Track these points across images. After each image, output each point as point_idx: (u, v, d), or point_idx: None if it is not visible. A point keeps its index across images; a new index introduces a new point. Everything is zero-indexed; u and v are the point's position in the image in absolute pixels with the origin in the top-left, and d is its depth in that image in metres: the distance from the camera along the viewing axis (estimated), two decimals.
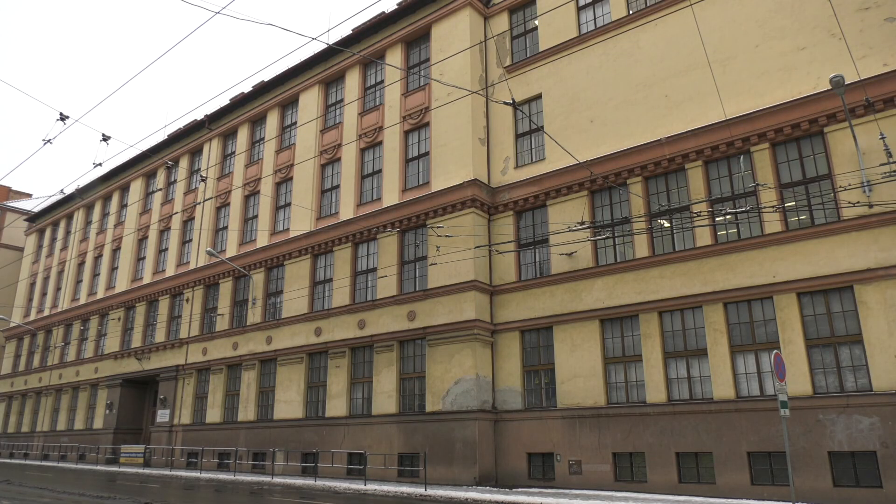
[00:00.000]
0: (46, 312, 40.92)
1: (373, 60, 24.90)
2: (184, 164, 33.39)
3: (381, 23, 24.71)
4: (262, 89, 29.33)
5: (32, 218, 45.93)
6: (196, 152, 33.45)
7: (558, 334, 18.46)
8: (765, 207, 15.42)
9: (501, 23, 22.54)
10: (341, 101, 26.22)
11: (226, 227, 29.74)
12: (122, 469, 27.57)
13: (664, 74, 18.12)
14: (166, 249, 33.02)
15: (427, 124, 22.67)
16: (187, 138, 33.46)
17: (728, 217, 15.93)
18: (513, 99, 13.74)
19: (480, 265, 19.94)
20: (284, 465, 23.11)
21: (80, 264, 39.49)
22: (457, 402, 18.94)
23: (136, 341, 32.37)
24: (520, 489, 17.04)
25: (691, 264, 16.43)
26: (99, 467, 29.67)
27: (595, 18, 20.28)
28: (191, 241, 31.47)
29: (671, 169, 17.53)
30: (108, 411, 32.68)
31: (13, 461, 36.71)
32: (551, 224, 19.31)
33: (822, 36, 15.55)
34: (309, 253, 24.98)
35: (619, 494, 15.35)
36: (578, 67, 20.07)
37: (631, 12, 19.27)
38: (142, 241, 34.86)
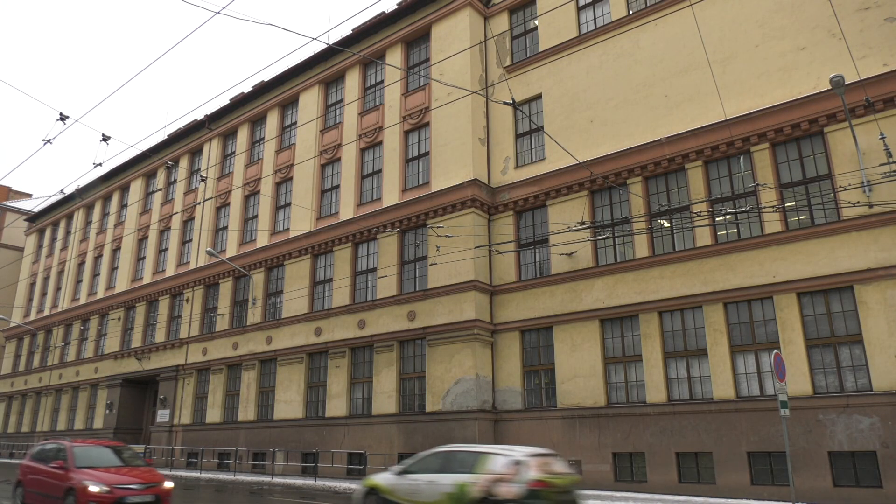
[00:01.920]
0: (46, 312, 40.91)
1: (373, 60, 24.90)
2: (184, 164, 33.39)
3: (381, 23, 24.71)
4: (262, 89, 29.33)
5: (32, 218, 45.91)
6: (196, 152, 33.45)
7: (558, 334, 18.46)
8: (765, 207, 15.42)
9: (501, 23, 22.54)
10: (341, 101, 26.22)
11: (226, 227, 29.73)
12: None
13: (664, 74, 18.12)
14: (166, 249, 33.02)
15: (427, 124, 22.67)
16: (187, 138, 33.45)
17: (728, 217, 15.93)
18: (513, 99, 13.73)
19: (480, 265, 19.94)
20: (284, 465, 23.11)
21: (80, 264, 39.48)
22: (457, 402, 18.95)
23: (136, 341, 32.37)
24: None
25: (691, 264, 16.43)
26: None
27: (595, 18, 20.28)
28: (191, 241, 31.46)
29: (671, 169, 17.53)
30: (108, 411, 32.68)
31: (13, 461, 36.68)
32: (551, 224, 19.31)
33: (822, 36, 15.56)
34: (309, 253, 24.98)
35: (619, 494, 15.35)
36: (578, 67, 20.07)
37: (631, 12, 19.26)
38: (142, 241, 34.85)
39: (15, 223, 47.97)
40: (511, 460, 10.45)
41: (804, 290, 14.68)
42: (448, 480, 10.82)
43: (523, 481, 10.04)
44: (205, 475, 23.17)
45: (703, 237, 16.44)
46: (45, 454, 13.26)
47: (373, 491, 11.95)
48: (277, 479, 20.81)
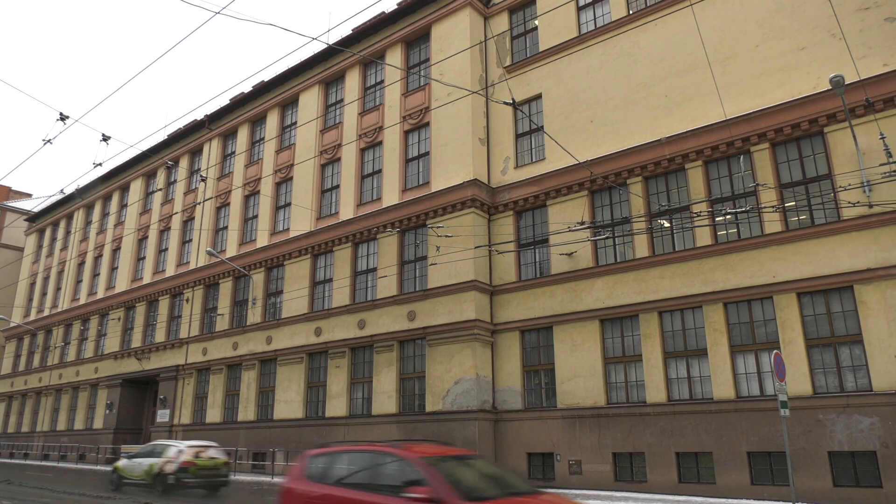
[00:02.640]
0: (46, 312, 40.91)
1: (373, 60, 24.90)
2: (184, 164, 33.39)
3: (381, 23, 24.71)
4: (262, 89, 29.33)
5: (32, 218, 45.92)
6: (196, 152, 33.45)
7: (558, 334, 18.46)
8: (765, 207, 15.42)
9: (501, 23, 22.54)
10: (341, 101, 26.22)
11: (226, 227, 29.74)
12: None
13: (664, 74, 18.12)
14: (166, 249, 33.02)
15: (427, 124, 22.67)
16: (187, 138, 33.45)
17: (728, 217, 15.93)
18: (513, 99, 13.73)
19: (480, 265, 19.94)
20: (284, 465, 23.09)
21: (80, 264, 39.48)
22: (457, 402, 18.94)
23: (136, 341, 32.36)
24: None
25: (691, 264, 16.43)
26: (99, 467, 29.63)
27: (595, 18, 20.28)
28: (191, 241, 31.47)
29: (671, 169, 17.53)
30: (108, 411, 32.67)
31: (13, 461, 36.71)
32: (551, 224, 19.31)
33: (822, 36, 15.56)
34: (309, 253, 24.98)
35: (619, 494, 15.36)
36: (578, 67, 20.07)
37: (631, 12, 19.27)
38: (142, 241, 34.86)
39: (15, 223, 47.96)
40: (176, 449, 17.48)
41: (804, 290, 14.68)
42: (147, 461, 17.78)
43: (179, 462, 17.09)
44: None
45: (703, 237, 16.44)
46: (363, 470, 7.31)
47: (115, 470, 18.80)
48: (277, 479, 20.79)
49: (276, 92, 28.81)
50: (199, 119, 32.14)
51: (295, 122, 27.87)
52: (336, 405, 22.35)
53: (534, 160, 20.64)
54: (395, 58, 24.15)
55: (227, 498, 16.81)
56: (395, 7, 24.23)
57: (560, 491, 16.27)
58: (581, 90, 19.84)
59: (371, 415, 21.21)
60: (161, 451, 17.60)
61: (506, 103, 13.21)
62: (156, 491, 17.15)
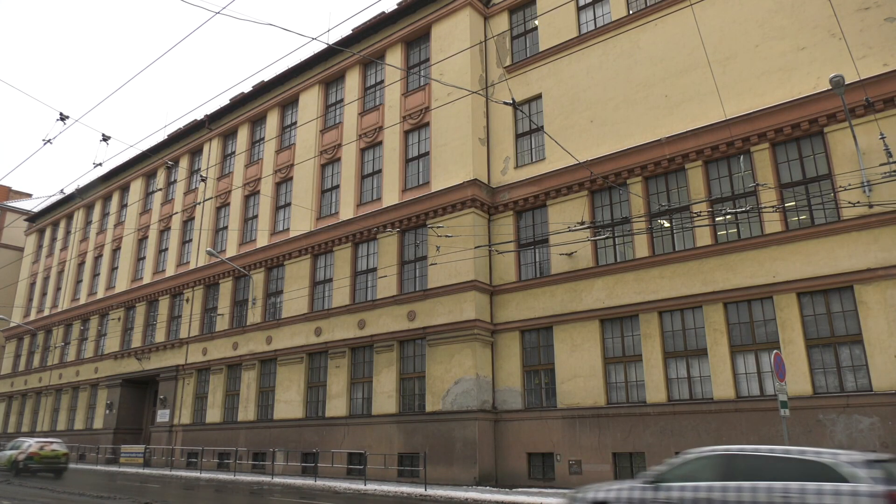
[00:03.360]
0: (46, 312, 40.91)
1: (373, 60, 24.90)
2: (184, 164, 33.39)
3: (381, 23, 24.72)
4: (262, 89, 29.33)
5: (32, 218, 45.91)
6: (196, 152, 33.45)
7: (558, 334, 18.46)
8: (765, 207, 15.42)
9: (501, 23, 22.54)
10: (341, 101, 26.22)
11: (226, 227, 29.74)
12: (122, 469, 27.56)
13: (664, 74, 18.12)
14: (166, 249, 33.03)
15: (427, 124, 22.67)
16: (187, 138, 33.45)
17: (728, 217, 15.93)
18: (513, 99, 13.74)
19: (480, 265, 19.94)
20: (284, 465, 23.11)
21: (80, 264, 39.48)
22: (457, 402, 18.94)
23: (136, 341, 32.36)
24: (520, 489, 17.03)
25: (691, 264, 16.43)
26: (99, 467, 29.65)
27: (595, 18, 20.28)
28: (191, 241, 31.47)
29: (671, 169, 17.53)
30: (108, 411, 32.67)
31: None
32: (551, 224, 19.31)
33: (822, 36, 15.56)
34: (309, 253, 24.98)
35: None
36: (578, 67, 20.08)
37: (631, 12, 19.27)
38: (142, 241, 34.85)
39: (15, 223, 47.94)
40: (27, 444, 23.11)
41: (804, 290, 14.68)
42: (9, 453, 23.49)
43: (27, 452, 22.62)
44: (205, 475, 23.17)
45: (703, 237, 16.44)
46: None
47: None
48: (277, 479, 20.81)
49: (276, 92, 28.81)
50: (199, 119, 32.15)
51: (295, 122, 27.87)
52: (336, 405, 22.35)
53: (534, 160, 20.64)
54: (395, 58, 24.15)
55: (227, 499, 16.79)
56: (395, 7, 24.24)
57: (560, 491, 16.27)
58: (581, 90, 19.84)
59: (371, 415, 21.21)
60: (19, 446, 23.37)
61: (506, 103, 13.21)
62: (11, 473, 22.72)
